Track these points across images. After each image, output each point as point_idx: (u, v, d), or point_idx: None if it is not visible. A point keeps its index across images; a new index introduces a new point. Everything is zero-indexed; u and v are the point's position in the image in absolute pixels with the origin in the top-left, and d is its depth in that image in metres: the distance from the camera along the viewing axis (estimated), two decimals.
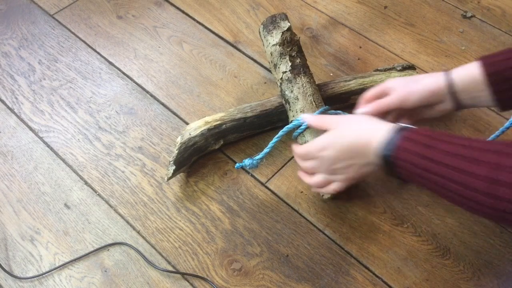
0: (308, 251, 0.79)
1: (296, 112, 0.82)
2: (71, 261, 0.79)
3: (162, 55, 1.05)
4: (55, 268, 0.79)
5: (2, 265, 0.78)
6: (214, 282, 0.76)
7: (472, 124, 0.93)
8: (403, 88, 0.76)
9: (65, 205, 0.85)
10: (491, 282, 0.76)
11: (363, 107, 0.79)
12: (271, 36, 0.88)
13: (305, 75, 0.85)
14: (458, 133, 0.91)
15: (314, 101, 0.82)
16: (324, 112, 0.81)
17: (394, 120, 0.79)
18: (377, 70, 0.93)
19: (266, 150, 0.82)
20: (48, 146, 0.92)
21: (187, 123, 0.94)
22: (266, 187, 0.87)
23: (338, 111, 0.84)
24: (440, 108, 0.76)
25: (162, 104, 0.98)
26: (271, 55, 0.88)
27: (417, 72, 0.93)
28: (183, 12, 1.13)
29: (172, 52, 1.06)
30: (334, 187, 0.76)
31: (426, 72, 1.00)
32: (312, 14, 1.12)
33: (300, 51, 0.88)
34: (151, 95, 0.99)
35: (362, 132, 0.70)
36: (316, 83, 0.88)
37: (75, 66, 1.04)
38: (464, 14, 1.10)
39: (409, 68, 0.92)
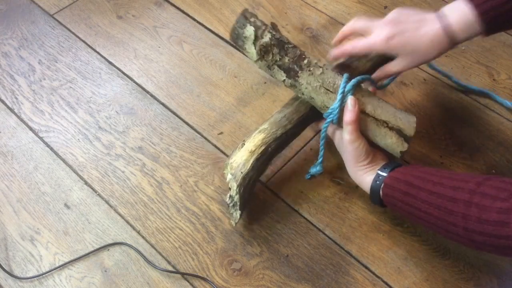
0: (308, 251, 0.79)
1: (320, 109, 0.79)
2: (71, 261, 0.79)
3: (162, 55, 1.05)
4: (55, 268, 0.79)
5: (2, 265, 0.78)
6: (214, 282, 0.76)
7: (472, 124, 0.93)
8: (409, 53, 0.76)
9: (65, 205, 0.85)
10: (491, 282, 0.76)
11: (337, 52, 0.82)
12: (247, 53, 0.78)
13: (302, 71, 0.75)
14: (459, 133, 0.92)
15: (328, 90, 0.76)
16: (347, 82, 0.76)
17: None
18: None
19: (321, 153, 0.83)
20: (48, 146, 0.92)
21: (187, 123, 0.94)
22: (266, 187, 0.87)
23: (366, 76, 0.79)
24: (439, 55, 0.78)
25: (162, 104, 0.98)
26: (261, 69, 0.80)
27: None
28: (183, 12, 1.13)
29: (172, 52, 1.06)
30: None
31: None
32: (312, 14, 1.12)
33: (279, 46, 0.75)
34: (151, 95, 0.99)
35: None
36: None
37: (75, 66, 1.04)
38: None
39: None
